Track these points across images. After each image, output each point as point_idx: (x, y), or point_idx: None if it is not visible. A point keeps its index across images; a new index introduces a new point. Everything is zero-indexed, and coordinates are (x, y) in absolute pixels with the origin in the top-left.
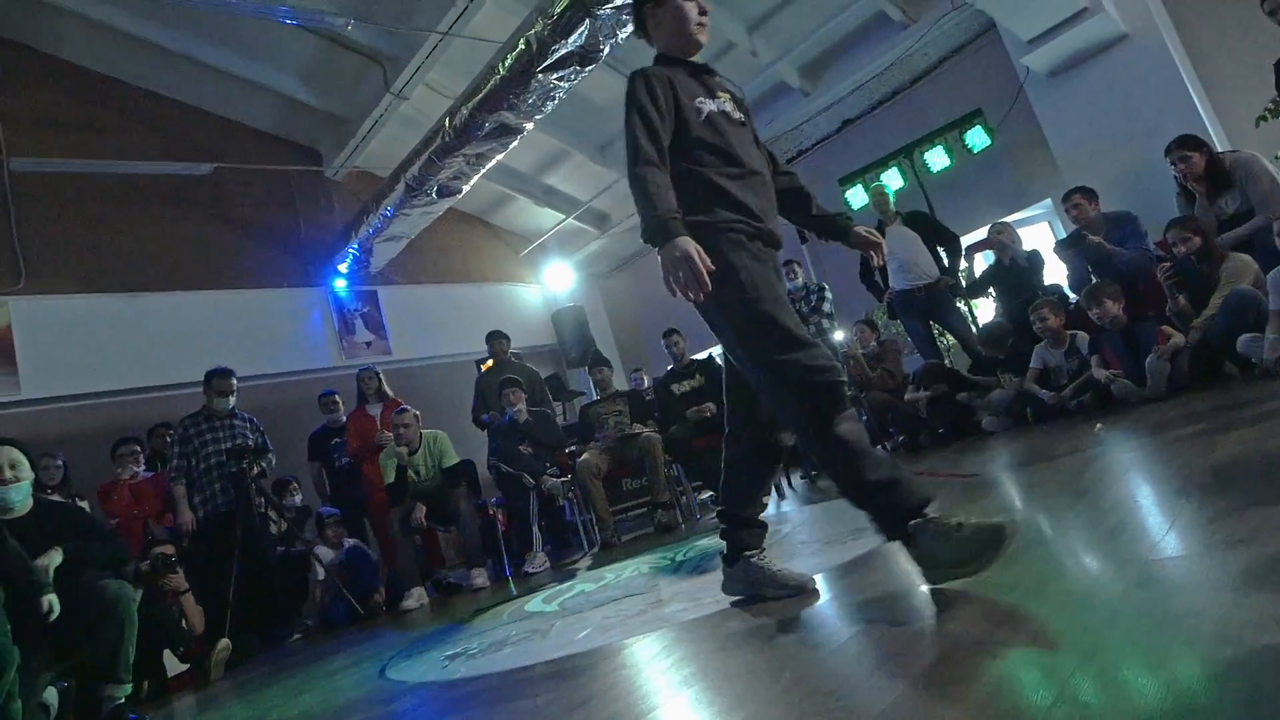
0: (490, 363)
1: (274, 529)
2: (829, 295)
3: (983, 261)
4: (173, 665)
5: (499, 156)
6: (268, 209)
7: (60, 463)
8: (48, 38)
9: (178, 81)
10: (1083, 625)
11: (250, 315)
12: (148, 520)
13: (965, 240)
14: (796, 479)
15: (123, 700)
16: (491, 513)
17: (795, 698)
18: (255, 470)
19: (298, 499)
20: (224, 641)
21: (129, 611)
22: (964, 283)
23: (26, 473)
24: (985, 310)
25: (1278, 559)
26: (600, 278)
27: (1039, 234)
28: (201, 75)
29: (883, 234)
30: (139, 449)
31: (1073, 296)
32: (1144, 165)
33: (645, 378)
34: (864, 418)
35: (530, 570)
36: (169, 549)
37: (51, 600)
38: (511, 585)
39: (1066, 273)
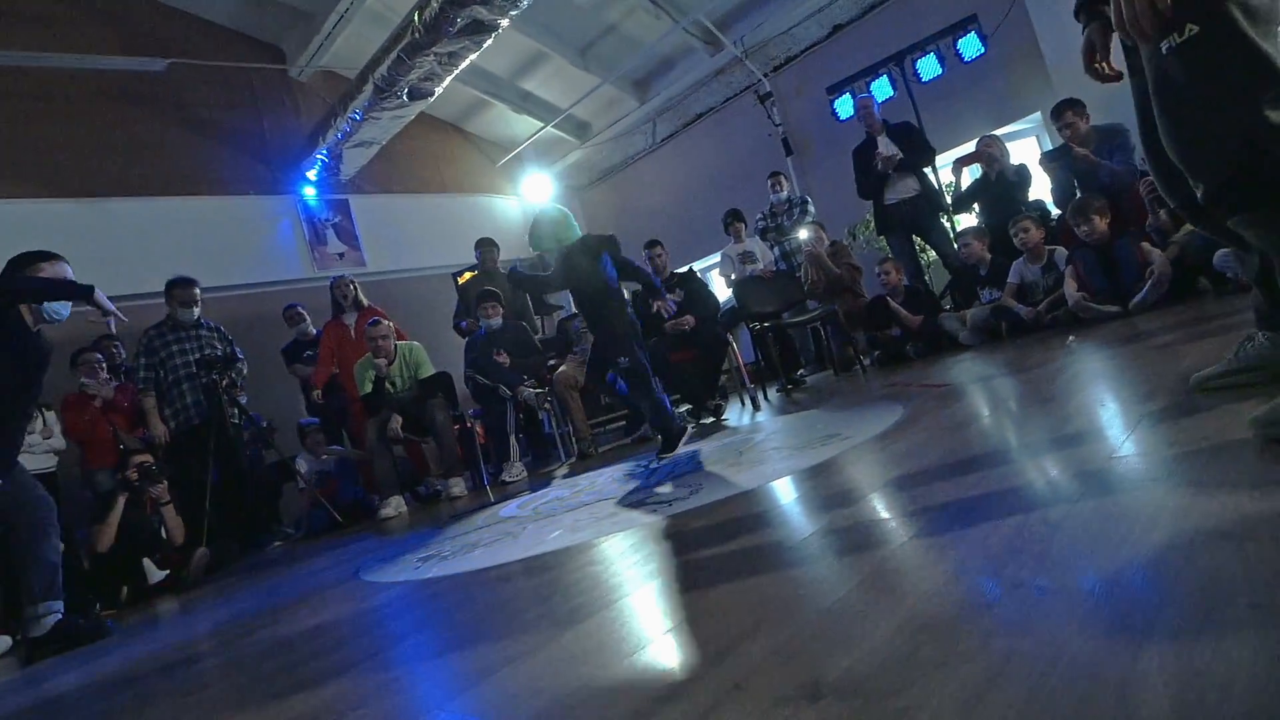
0: (468, 275)
1: (247, 437)
2: (812, 209)
3: (969, 176)
4: (156, 573)
5: (472, 56)
6: (229, 111)
7: None
8: None
9: None
10: (1043, 519)
11: (216, 223)
12: (117, 430)
13: (953, 153)
14: (773, 391)
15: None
16: (470, 424)
17: (752, 588)
18: (226, 381)
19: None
20: (201, 550)
21: None
22: (949, 197)
23: None
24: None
25: (1235, 459)
26: (580, 190)
27: (1027, 148)
28: None
29: (874, 146)
30: (99, 357)
31: (1055, 211)
32: None
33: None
34: (830, 327)
35: (507, 479)
36: (148, 458)
37: None
38: (489, 493)
39: (1050, 186)
